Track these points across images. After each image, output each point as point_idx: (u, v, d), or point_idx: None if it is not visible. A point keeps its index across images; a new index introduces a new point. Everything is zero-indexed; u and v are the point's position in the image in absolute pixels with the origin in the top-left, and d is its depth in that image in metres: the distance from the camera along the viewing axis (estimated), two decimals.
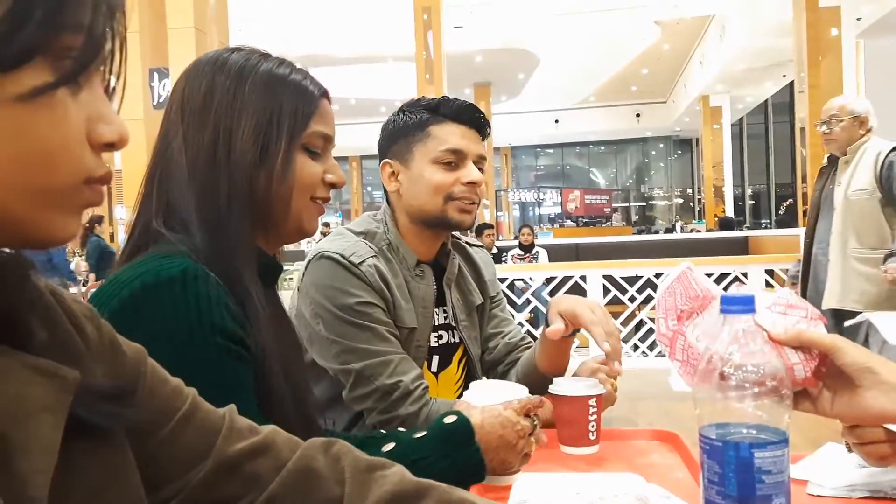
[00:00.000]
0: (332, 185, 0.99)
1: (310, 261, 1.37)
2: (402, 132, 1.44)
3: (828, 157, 3.51)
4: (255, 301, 0.87)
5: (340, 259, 1.33)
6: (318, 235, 3.86)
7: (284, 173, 0.92)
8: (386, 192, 1.49)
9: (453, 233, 1.53)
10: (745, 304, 0.76)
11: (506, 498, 0.95)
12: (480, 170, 1.44)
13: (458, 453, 0.95)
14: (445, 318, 1.48)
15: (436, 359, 1.47)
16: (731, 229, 10.89)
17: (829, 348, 0.79)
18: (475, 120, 1.43)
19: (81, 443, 0.49)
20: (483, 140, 1.46)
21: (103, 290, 0.82)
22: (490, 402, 1.02)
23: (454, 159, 1.39)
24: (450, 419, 0.97)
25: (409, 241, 1.44)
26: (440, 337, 1.47)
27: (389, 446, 0.96)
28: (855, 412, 0.79)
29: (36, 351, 0.49)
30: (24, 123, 0.42)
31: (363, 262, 1.34)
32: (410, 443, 0.96)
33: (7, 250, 0.49)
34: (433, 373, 1.47)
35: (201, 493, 0.62)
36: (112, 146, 0.47)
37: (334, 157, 1.01)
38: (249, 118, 0.92)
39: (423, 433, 0.97)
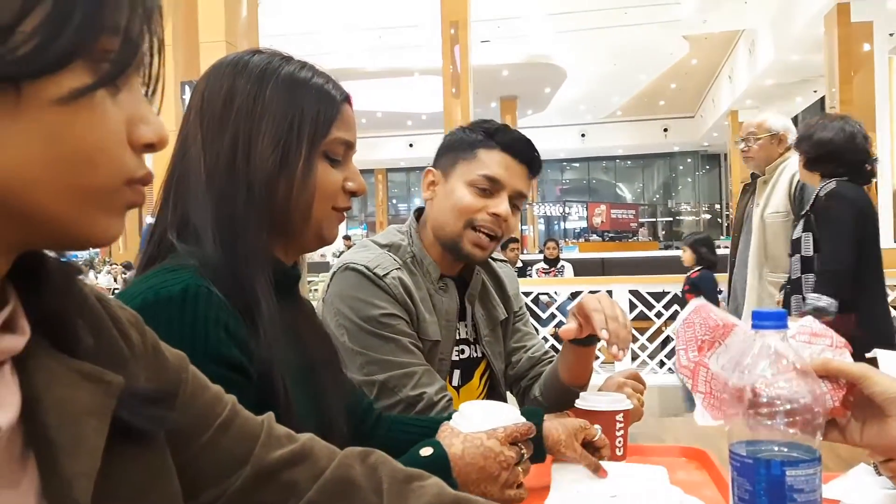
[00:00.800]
0: (353, 193, 0.97)
1: (335, 272, 1.37)
2: (454, 146, 1.44)
3: (751, 175, 3.40)
4: (264, 310, 0.85)
5: (365, 270, 1.33)
6: (341, 246, 3.84)
7: (305, 181, 0.90)
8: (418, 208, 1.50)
9: None
10: (778, 320, 0.74)
11: None
12: (517, 206, 1.42)
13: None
14: (467, 333, 1.48)
15: (457, 373, 1.47)
16: None
17: (857, 377, 0.77)
18: (526, 155, 1.41)
19: (123, 446, 0.50)
20: (532, 178, 1.44)
21: (121, 299, 0.81)
22: (478, 426, 0.96)
23: (489, 187, 1.38)
24: (426, 451, 0.93)
25: (433, 254, 1.43)
26: (462, 351, 1.47)
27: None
28: (885, 442, 0.78)
29: (82, 355, 0.49)
30: (65, 125, 0.42)
31: (388, 273, 1.34)
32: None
33: (54, 255, 0.49)
34: (455, 387, 1.46)
35: (239, 499, 0.62)
36: (152, 147, 0.47)
37: (360, 170, 0.99)
38: (270, 123, 0.90)
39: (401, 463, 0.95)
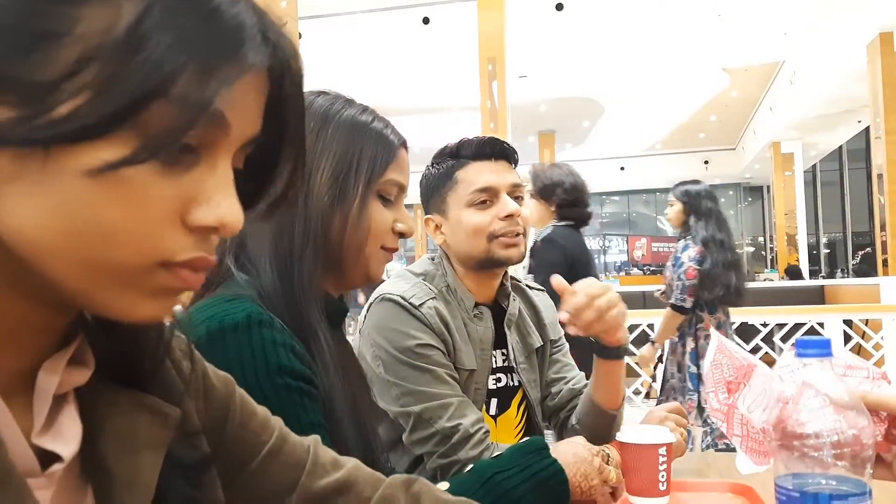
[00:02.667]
0: (402, 235, 0.99)
1: (371, 303, 1.38)
2: (434, 185, 1.46)
3: None
4: (321, 342, 0.88)
5: (401, 301, 1.34)
6: None
7: (360, 219, 0.93)
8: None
9: (513, 276, 1.53)
10: (822, 348, 0.73)
11: None
12: (518, 197, 1.42)
13: (536, 464, 0.94)
14: (504, 361, 1.47)
15: (494, 402, 1.46)
16: (801, 278, 10.54)
17: None
18: (498, 151, 1.42)
19: (174, 478, 0.50)
20: (514, 166, 1.45)
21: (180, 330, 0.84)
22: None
23: (486, 197, 1.39)
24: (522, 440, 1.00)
25: (466, 283, 1.44)
26: (498, 380, 1.46)
27: (469, 466, 0.97)
28: None
29: (142, 387, 0.50)
30: (90, 198, 0.39)
31: (423, 304, 1.34)
32: (488, 461, 0.97)
33: None
34: (492, 416, 1.46)
35: None
36: (215, 230, 0.44)
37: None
38: (329, 161, 0.93)
39: (499, 453, 0.98)
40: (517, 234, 1.40)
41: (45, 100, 0.37)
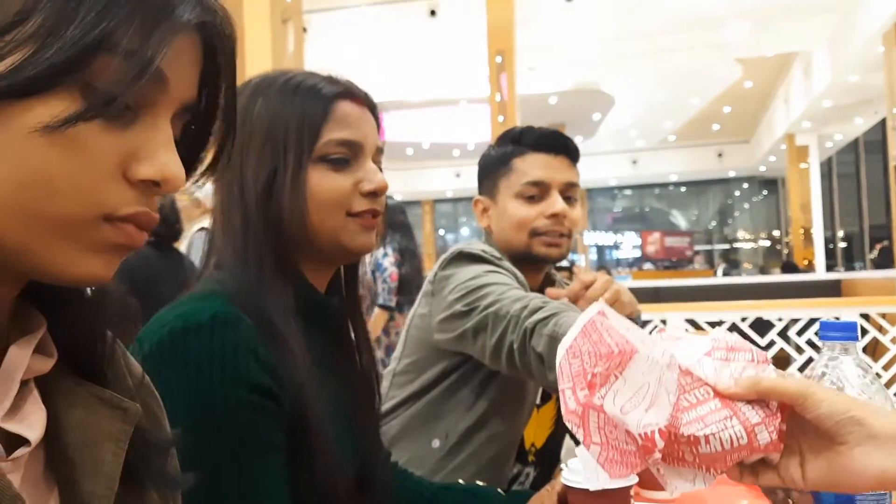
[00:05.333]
0: (373, 194, 0.88)
1: (445, 258, 1.35)
2: (489, 167, 1.42)
3: None
4: (286, 337, 0.81)
5: (482, 254, 1.31)
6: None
7: (294, 193, 0.84)
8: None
9: (563, 268, 1.54)
10: (848, 331, 0.62)
11: None
12: (570, 198, 1.38)
13: None
14: None
15: (539, 391, 1.44)
16: (796, 272, 10.41)
17: (796, 397, 0.61)
18: (559, 146, 1.38)
19: (140, 462, 0.51)
20: (574, 164, 1.40)
21: (149, 328, 0.79)
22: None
23: (536, 192, 1.35)
24: None
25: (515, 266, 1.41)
26: None
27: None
28: (840, 477, 0.60)
29: (99, 382, 0.51)
30: (36, 152, 0.39)
31: (502, 259, 1.33)
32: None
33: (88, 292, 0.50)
34: (536, 405, 1.42)
35: None
36: (157, 185, 0.44)
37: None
38: (255, 144, 0.85)
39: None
40: (561, 235, 1.36)
41: None
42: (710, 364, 0.64)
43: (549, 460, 1.48)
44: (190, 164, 0.51)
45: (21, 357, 0.45)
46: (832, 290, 7.82)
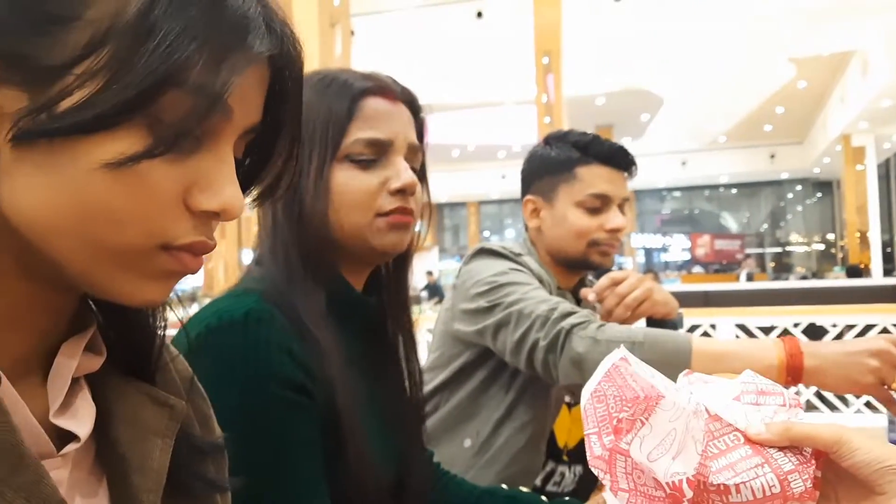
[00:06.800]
0: (401, 191, 0.87)
1: (470, 255, 1.39)
2: (548, 168, 1.42)
3: None
4: (316, 334, 0.81)
5: (501, 250, 1.35)
6: (425, 281, 3.92)
7: (316, 194, 0.84)
8: (526, 226, 1.50)
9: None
10: None
11: None
12: (623, 211, 1.42)
13: None
14: None
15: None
16: (860, 276, 10.04)
17: (831, 444, 0.58)
18: (625, 162, 1.41)
19: (187, 462, 0.52)
20: (630, 178, 1.45)
21: (188, 324, 0.80)
22: None
23: (599, 204, 1.37)
24: None
25: (551, 269, 1.44)
26: None
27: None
28: None
29: (147, 380, 0.52)
30: (99, 187, 0.39)
31: (522, 255, 1.36)
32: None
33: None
34: (567, 404, 1.43)
35: None
36: (215, 215, 0.44)
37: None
38: None
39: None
40: (614, 246, 1.42)
41: (54, 84, 0.37)
42: (741, 409, 0.62)
43: (584, 460, 1.47)
44: (250, 181, 0.51)
45: (73, 355, 0.46)
46: (890, 295, 7.58)
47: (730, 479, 0.56)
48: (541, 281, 1.37)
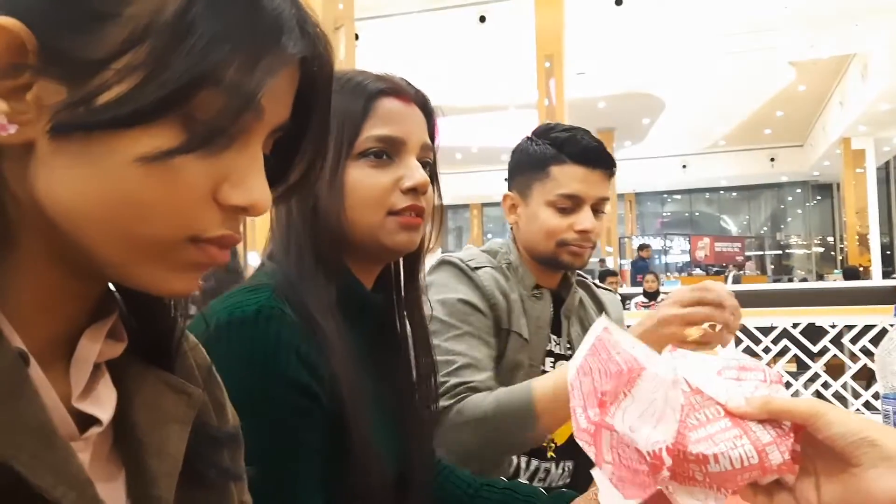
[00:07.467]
0: (413, 190, 0.88)
1: (432, 266, 1.39)
2: (525, 164, 1.42)
3: None
4: (324, 329, 0.82)
5: (459, 262, 1.36)
6: None
7: (331, 191, 0.85)
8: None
9: (580, 272, 1.52)
10: None
11: None
12: (598, 211, 1.39)
13: None
14: (560, 349, 1.45)
15: None
16: (858, 279, 10.06)
17: (807, 417, 0.59)
18: (600, 161, 1.37)
19: (202, 450, 0.52)
20: (611, 176, 1.40)
21: (199, 318, 0.81)
22: None
23: (570, 205, 1.35)
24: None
25: (529, 266, 1.43)
26: (555, 366, 1.43)
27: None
28: (854, 500, 0.58)
29: (166, 368, 0.53)
30: (131, 179, 0.40)
31: (481, 268, 1.36)
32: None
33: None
34: None
35: None
36: (244, 210, 0.45)
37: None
38: None
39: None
40: (585, 247, 1.38)
41: (92, 78, 0.38)
42: (721, 383, 0.63)
43: (575, 456, 1.45)
44: (276, 179, 0.51)
45: (96, 340, 0.47)
46: (889, 296, 7.63)
47: (708, 449, 0.58)
48: (510, 275, 1.38)
